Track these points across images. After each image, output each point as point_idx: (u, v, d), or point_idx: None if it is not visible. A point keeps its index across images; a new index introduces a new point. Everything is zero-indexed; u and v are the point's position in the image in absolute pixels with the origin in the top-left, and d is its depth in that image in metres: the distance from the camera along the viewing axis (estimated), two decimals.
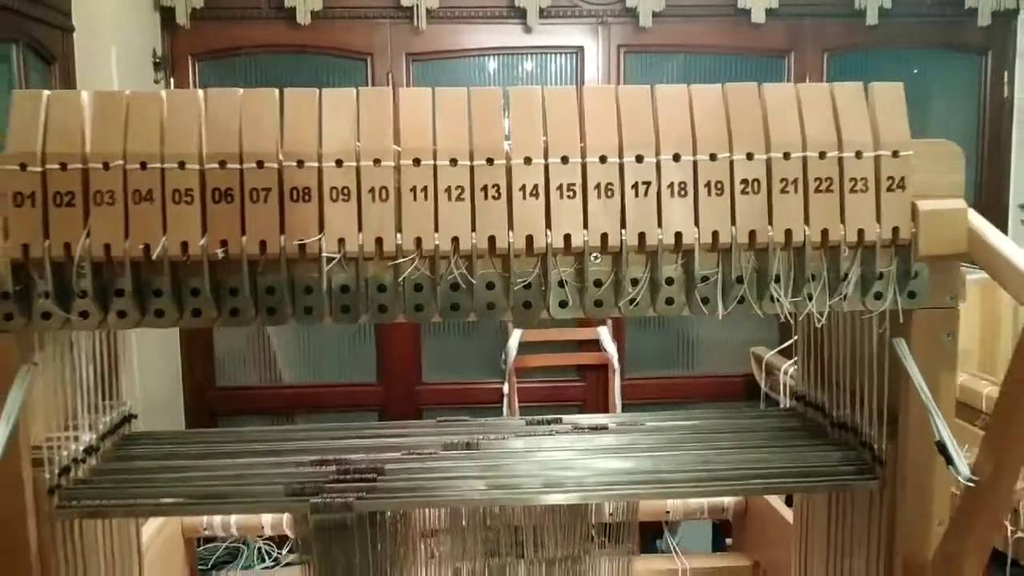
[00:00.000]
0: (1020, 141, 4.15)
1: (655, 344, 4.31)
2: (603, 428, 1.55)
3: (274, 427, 1.58)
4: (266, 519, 2.01)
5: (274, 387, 4.13)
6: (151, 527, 1.82)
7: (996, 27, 4.08)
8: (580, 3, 3.98)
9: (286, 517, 2.00)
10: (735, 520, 2.17)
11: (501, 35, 4.02)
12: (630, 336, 4.23)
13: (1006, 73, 4.14)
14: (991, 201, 4.18)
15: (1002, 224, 4.15)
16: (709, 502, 2.10)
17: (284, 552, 3.45)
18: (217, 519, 1.99)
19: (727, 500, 2.10)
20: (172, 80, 3.88)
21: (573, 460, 1.42)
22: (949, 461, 1.15)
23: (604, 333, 4.04)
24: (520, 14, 3.95)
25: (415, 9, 3.87)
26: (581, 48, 4.03)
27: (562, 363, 4.15)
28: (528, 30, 3.98)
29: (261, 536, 2.17)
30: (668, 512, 2.07)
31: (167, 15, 3.83)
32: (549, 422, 1.58)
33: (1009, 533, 2.53)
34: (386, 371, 4.14)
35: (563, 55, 4.08)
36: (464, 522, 1.55)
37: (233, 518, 2.00)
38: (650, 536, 3.12)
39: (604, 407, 3.97)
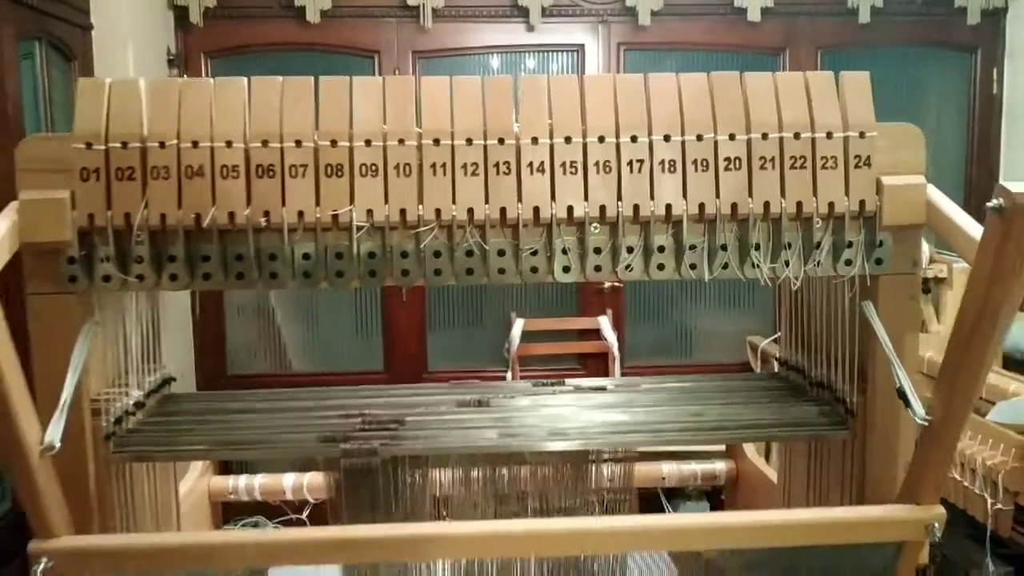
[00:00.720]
0: (1009, 137, 4.31)
1: (654, 335, 4.47)
2: (602, 389, 1.72)
3: (301, 388, 1.74)
4: (288, 483, 2.16)
5: (284, 375, 4.29)
6: (183, 488, 1.98)
7: (985, 25, 4.25)
8: (581, 2, 4.15)
9: (306, 481, 2.16)
10: (727, 487, 2.33)
11: (504, 33, 4.18)
12: (629, 327, 4.39)
13: (995, 71, 4.31)
14: (980, 195, 4.34)
15: None
16: (702, 468, 2.26)
17: None
18: (242, 483, 2.15)
19: (719, 466, 2.26)
20: (185, 77, 4.05)
21: (575, 414, 1.59)
22: (907, 404, 1.32)
23: (604, 323, 4.20)
24: (523, 13, 4.11)
25: (421, 8, 4.04)
26: (582, 46, 4.20)
27: (564, 351, 4.31)
28: (531, 28, 4.15)
29: (282, 501, 2.32)
30: (664, 479, 2.23)
31: (181, 13, 4.00)
32: (553, 384, 1.74)
33: (989, 505, 2.69)
34: (392, 361, 4.30)
35: (565, 53, 4.25)
36: (476, 486, 1.69)
37: (257, 481, 2.16)
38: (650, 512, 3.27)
39: None
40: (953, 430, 1.27)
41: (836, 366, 1.57)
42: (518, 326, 4.12)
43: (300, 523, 2.70)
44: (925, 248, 3.52)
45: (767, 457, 2.18)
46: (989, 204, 1.13)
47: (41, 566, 1.25)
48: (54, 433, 1.24)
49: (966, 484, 2.77)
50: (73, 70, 3.28)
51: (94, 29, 3.39)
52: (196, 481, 2.08)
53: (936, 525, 1.33)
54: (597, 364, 4.28)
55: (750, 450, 2.23)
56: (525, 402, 1.66)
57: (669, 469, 2.23)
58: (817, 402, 1.62)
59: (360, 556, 1.35)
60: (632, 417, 1.57)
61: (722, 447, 2.31)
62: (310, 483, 2.17)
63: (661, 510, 3.12)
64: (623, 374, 4.08)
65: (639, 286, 4.37)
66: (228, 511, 2.72)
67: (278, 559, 1.32)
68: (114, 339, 1.52)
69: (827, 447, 1.64)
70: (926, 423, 1.29)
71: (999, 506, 2.65)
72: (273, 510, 2.39)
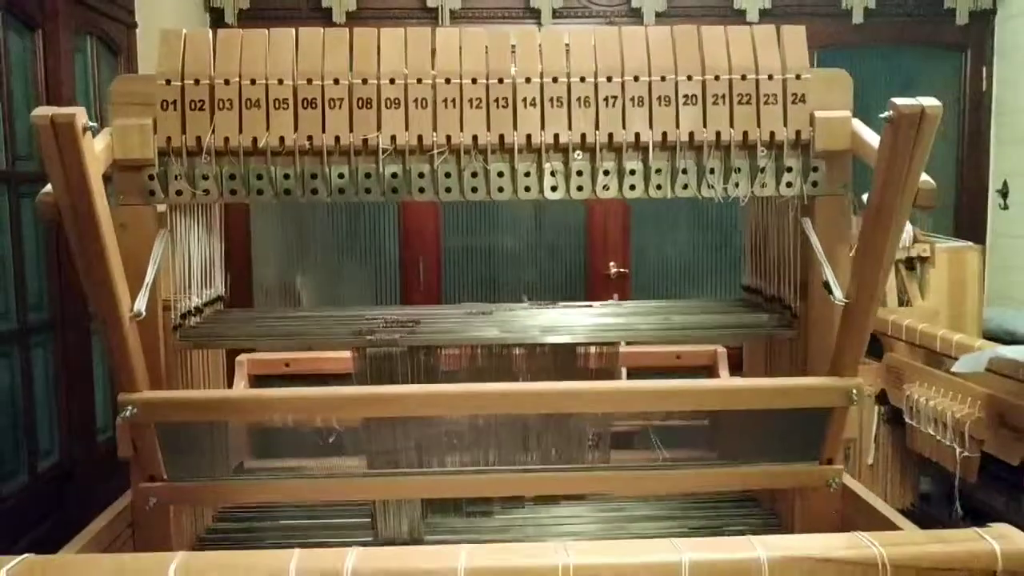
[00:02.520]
0: (998, 132, 4.62)
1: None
2: (589, 306, 2.06)
3: (332, 307, 2.08)
4: None
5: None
6: None
7: (974, 26, 4.57)
8: (589, 4, 4.52)
9: None
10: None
11: None
12: None
13: (984, 69, 4.63)
14: (971, 187, 4.66)
15: (981, 207, 4.63)
16: None
17: None
18: None
19: None
20: None
21: (566, 320, 1.92)
22: (830, 291, 1.65)
23: None
24: (535, 14, 4.49)
25: (439, 9, 4.43)
26: None
27: None
28: (542, 29, 4.52)
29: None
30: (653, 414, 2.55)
31: (216, 15, 4.42)
32: (546, 304, 2.08)
33: (957, 454, 2.98)
34: None
35: None
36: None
37: None
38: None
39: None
40: (865, 307, 1.59)
41: (784, 281, 1.90)
42: None
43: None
44: (909, 229, 3.87)
45: None
46: (882, 115, 1.46)
47: (128, 412, 1.60)
48: (140, 303, 1.59)
49: (939, 438, 3.06)
50: (119, 64, 3.66)
51: (138, 27, 3.78)
52: None
53: (855, 392, 1.65)
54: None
55: None
56: (523, 313, 2.00)
57: None
58: (770, 313, 1.95)
59: (380, 410, 1.68)
60: (614, 321, 1.91)
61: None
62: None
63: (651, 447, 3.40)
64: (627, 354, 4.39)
65: (645, 272, 4.70)
66: None
67: (314, 411, 1.66)
68: (181, 257, 1.87)
69: (779, 356, 1.97)
70: (844, 303, 1.62)
71: (966, 454, 2.94)
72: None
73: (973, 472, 2.95)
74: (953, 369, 2.94)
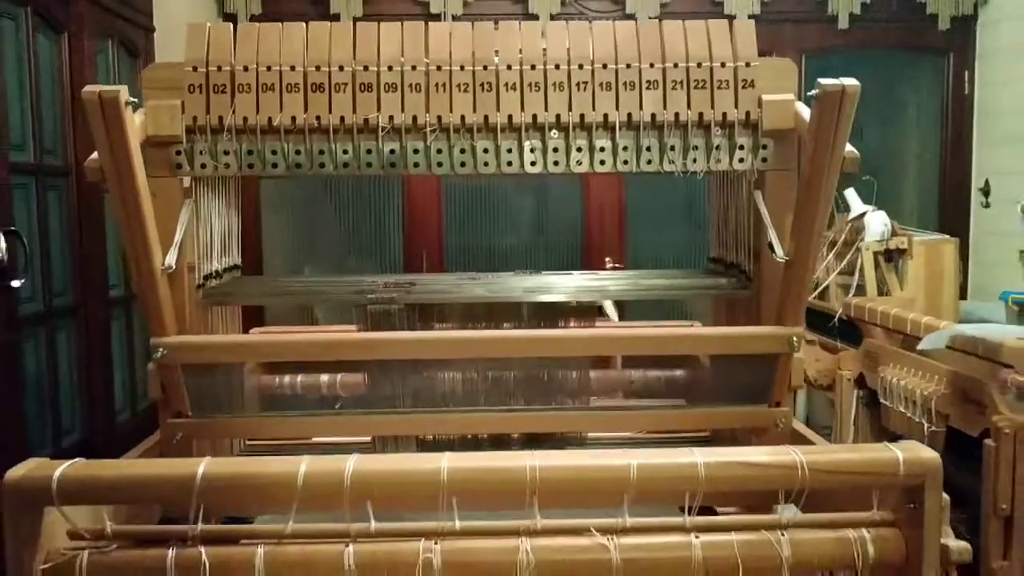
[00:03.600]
0: (980, 133, 4.88)
1: (652, 311, 5.04)
2: (569, 274, 2.33)
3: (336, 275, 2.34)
4: (323, 380, 2.76)
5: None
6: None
7: (956, 31, 4.84)
8: (585, 10, 4.81)
9: (339, 379, 2.75)
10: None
11: None
12: (630, 307, 4.97)
13: (966, 72, 4.89)
14: (954, 186, 4.91)
15: (965, 205, 4.89)
16: (665, 375, 2.83)
17: None
18: (286, 380, 2.75)
19: (679, 373, 2.83)
20: None
21: (548, 283, 2.19)
22: (773, 251, 1.91)
23: (607, 302, 4.78)
24: (533, 19, 4.78)
25: (442, 16, 4.73)
26: None
27: None
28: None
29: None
30: (632, 382, 2.81)
31: (229, 19, 4.72)
32: (530, 271, 2.35)
33: (925, 429, 3.22)
34: None
35: None
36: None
37: (299, 379, 2.76)
38: None
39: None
40: (803, 263, 1.85)
41: (741, 249, 2.17)
42: None
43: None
44: (888, 222, 4.13)
45: None
46: (809, 93, 1.73)
47: (159, 354, 1.87)
48: (171, 258, 1.86)
49: (909, 415, 3.30)
50: (138, 65, 3.94)
51: (155, 31, 4.07)
52: (246, 377, 2.69)
53: (795, 339, 1.91)
54: None
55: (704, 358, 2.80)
56: (509, 279, 2.26)
57: (636, 375, 2.81)
58: (728, 277, 2.22)
59: (380, 352, 1.95)
60: (591, 284, 2.18)
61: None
62: (342, 381, 2.76)
63: None
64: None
65: (640, 268, 4.95)
66: None
67: (319, 354, 1.93)
68: (204, 227, 2.14)
69: (735, 312, 2.23)
70: (784, 260, 1.88)
71: (933, 428, 3.18)
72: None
73: (940, 446, 3.18)
74: (918, 347, 3.18)
